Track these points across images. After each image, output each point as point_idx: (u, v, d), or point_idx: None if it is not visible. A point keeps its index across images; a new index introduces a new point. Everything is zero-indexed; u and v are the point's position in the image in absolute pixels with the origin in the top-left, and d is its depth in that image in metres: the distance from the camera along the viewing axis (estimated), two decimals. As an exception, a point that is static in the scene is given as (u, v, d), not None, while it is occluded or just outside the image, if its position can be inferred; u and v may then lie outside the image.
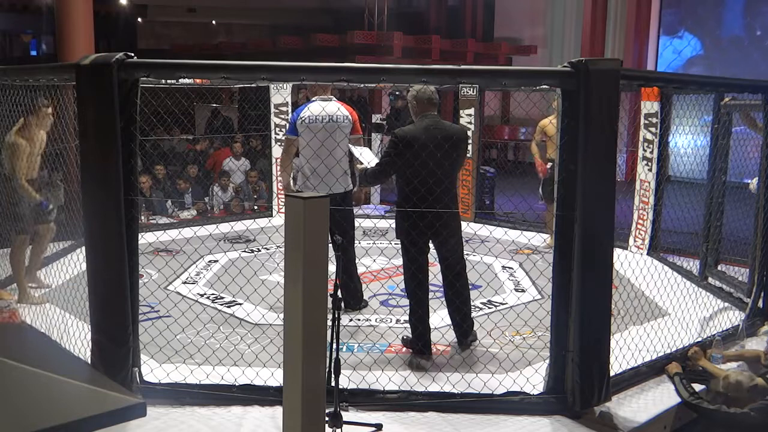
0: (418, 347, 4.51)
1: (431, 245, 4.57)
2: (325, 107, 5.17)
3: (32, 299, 5.35)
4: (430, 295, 5.62)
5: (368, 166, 4.64)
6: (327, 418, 3.11)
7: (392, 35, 13.33)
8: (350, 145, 5.02)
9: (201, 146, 10.58)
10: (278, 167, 8.37)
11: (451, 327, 4.69)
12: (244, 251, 7.25)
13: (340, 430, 3.35)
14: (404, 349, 4.60)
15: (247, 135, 10.34)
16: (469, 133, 8.48)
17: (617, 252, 4.06)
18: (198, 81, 7.27)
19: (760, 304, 5.28)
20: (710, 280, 6.08)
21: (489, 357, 4.44)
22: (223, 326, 4.97)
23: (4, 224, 5.53)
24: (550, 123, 7.29)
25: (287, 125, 8.72)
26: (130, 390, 3.46)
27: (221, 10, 18.26)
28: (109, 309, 3.77)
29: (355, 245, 5.34)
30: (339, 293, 3.35)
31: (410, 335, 4.59)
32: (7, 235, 5.58)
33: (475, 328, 4.69)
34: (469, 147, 8.52)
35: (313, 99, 5.28)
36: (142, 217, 8.20)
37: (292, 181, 5.52)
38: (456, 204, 4.64)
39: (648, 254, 7.05)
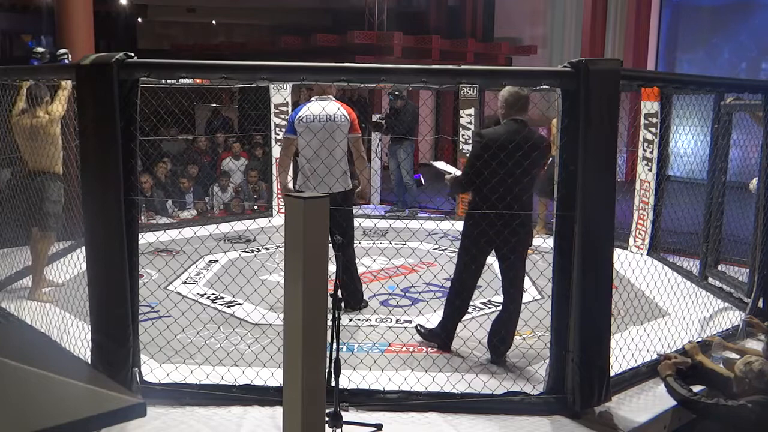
0: (441, 339, 4.61)
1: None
2: (324, 107, 5.17)
3: (41, 297, 5.36)
4: (431, 295, 5.63)
5: (455, 174, 4.56)
6: (327, 418, 3.11)
7: (392, 35, 13.32)
8: (431, 162, 4.96)
9: (204, 145, 10.55)
10: (277, 167, 8.38)
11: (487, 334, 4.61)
12: (244, 251, 7.25)
13: (340, 430, 3.35)
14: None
15: (246, 135, 10.34)
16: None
17: (617, 252, 4.06)
18: (198, 81, 7.27)
19: (760, 304, 5.28)
20: (710, 280, 6.08)
21: (489, 357, 4.45)
22: (223, 326, 4.97)
23: (6, 223, 5.56)
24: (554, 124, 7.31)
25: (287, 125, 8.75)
26: (130, 390, 3.45)
27: (221, 10, 18.25)
28: (109, 309, 3.77)
29: (355, 245, 5.34)
30: (339, 293, 3.36)
31: (424, 326, 4.74)
32: (10, 234, 5.59)
33: (475, 329, 4.65)
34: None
35: (312, 99, 5.28)
36: (143, 217, 8.20)
37: (290, 181, 5.52)
38: (524, 221, 4.35)
39: (648, 254, 7.05)
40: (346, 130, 5.17)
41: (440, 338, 4.64)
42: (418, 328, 4.78)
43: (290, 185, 5.60)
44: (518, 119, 4.34)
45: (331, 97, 5.30)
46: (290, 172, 5.81)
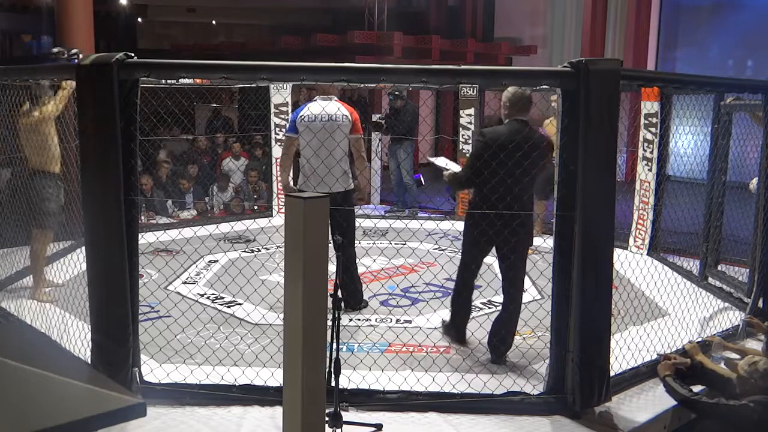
0: (452, 334, 4.75)
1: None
2: (325, 107, 5.18)
3: (43, 296, 5.37)
4: (430, 295, 5.63)
5: (455, 171, 4.60)
6: (327, 418, 3.11)
7: (392, 35, 13.32)
8: (431, 159, 5.04)
9: (203, 144, 10.55)
10: (278, 166, 8.38)
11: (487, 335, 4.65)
12: (244, 251, 7.25)
13: (340, 430, 3.35)
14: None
15: (246, 135, 10.34)
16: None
17: (617, 252, 4.06)
18: (198, 81, 7.27)
19: (760, 304, 5.28)
20: (710, 280, 6.08)
21: (489, 357, 4.45)
22: (223, 326, 4.97)
23: (6, 223, 5.56)
24: (549, 123, 7.33)
25: (287, 124, 8.73)
26: (130, 390, 3.45)
27: (221, 10, 18.26)
28: (109, 309, 3.77)
29: (356, 245, 5.34)
30: (339, 293, 3.36)
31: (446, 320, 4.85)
32: (9, 234, 5.60)
33: (475, 330, 4.66)
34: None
35: (315, 98, 5.29)
36: (143, 217, 8.20)
37: (291, 181, 5.52)
38: (522, 221, 4.32)
39: (648, 254, 7.05)
40: (347, 130, 5.17)
41: (453, 333, 4.76)
42: (443, 321, 4.88)
43: (291, 184, 5.60)
44: (520, 119, 4.37)
45: (334, 97, 5.30)
46: (291, 172, 5.81)
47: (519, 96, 4.35)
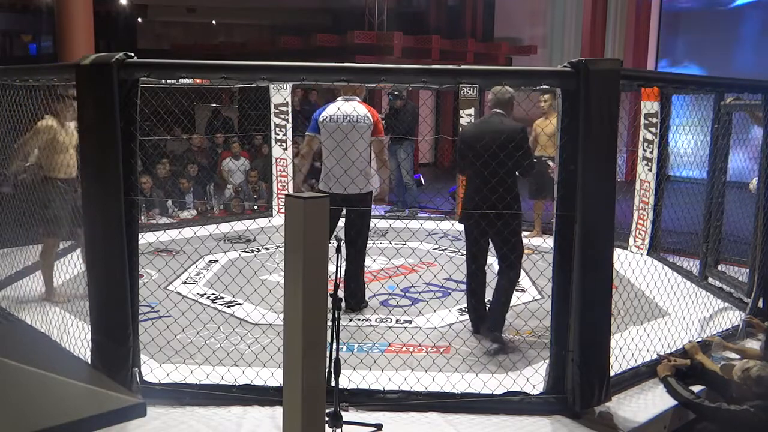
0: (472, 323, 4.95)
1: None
2: (348, 107, 5.15)
3: (60, 297, 5.37)
4: (431, 295, 5.62)
5: None
6: (327, 418, 3.11)
7: (392, 35, 13.32)
8: None
9: (200, 141, 10.52)
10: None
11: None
12: (244, 251, 7.25)
13: (340, 430, 3.35)
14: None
15: (247, 135, 10.33)
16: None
17: (617, 252, 4.06)
18: (198, 81, 7.26)
19: (760, 304, 5.28)
20: (710, 280, 6.08)
21: (489, 357, 4.45)
22: (223, 326, 4.97)
23: (6, 224, 5.56)
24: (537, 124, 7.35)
25: (287, 124, 8.74)
26: (130, 390, 3.46)
27: (221, 10, 18.24)
28: (109, 309, 3.77)
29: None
30: (339, 293, 3.36)
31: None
32: (9, 234, 5.59)
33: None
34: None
35: (338, 98, 5.28)
36: (143, 217, 8.20)
37: (304, 181, 5.55)
38: (507, 205, 4.47)
39: (648, 254, 7.05)
40: (368, 131, 5.16)
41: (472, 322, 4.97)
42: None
43: (300, 184, 5.62)
44: (497, 112, 4.75)
45: (356, 98, 5.28)
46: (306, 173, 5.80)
47: (496, 99, 4.79)
